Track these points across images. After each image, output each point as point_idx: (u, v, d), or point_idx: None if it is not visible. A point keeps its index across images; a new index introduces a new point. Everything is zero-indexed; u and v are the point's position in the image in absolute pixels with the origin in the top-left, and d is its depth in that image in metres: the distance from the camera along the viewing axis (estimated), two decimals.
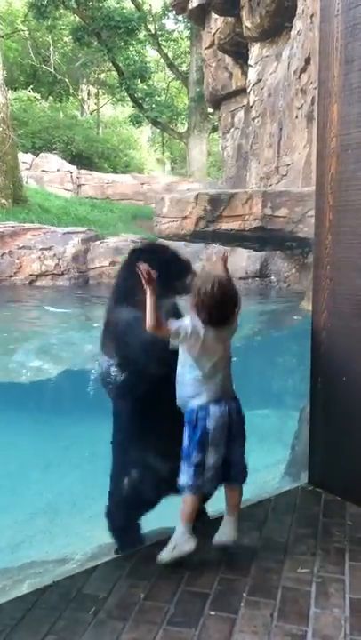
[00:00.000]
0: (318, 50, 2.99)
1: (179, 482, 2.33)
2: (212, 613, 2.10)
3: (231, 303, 2.27)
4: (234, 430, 2.33)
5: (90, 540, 2.71)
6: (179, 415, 2.38)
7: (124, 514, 2.63)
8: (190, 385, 2.31)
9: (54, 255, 11.27)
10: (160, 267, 2.32)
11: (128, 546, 2.58)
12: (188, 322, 2.26)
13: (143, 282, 2.23)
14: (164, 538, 2.52)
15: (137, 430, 2.53)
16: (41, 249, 11.32)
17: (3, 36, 23.04)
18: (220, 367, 2.32)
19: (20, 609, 2.15)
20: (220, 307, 2.24)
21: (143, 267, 2.22)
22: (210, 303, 2.22)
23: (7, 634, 2.02)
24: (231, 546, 2.44)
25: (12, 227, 11.77)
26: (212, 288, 2.21)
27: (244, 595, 2.20)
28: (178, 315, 2.55)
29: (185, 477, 2.31)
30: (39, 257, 11.24)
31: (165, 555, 2.35)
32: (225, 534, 2.42)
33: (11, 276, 11.03)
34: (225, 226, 6.85)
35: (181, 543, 2.32)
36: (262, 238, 7.21)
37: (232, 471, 2.37)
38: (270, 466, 3.99)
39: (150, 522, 2.75)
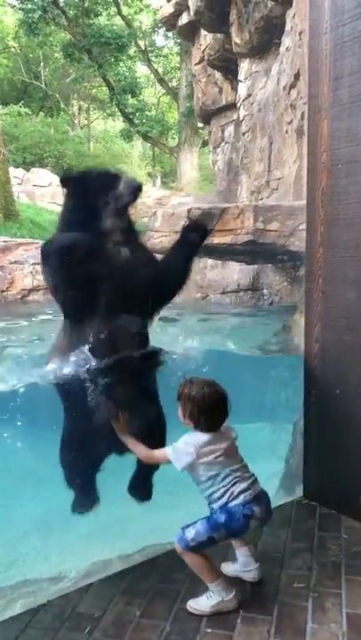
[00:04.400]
0: (308, 66, 3.03)
1: (182, 535, 2.21)
2: (209, 631, 2.09)
3: (225, 401, 2.25)
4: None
5: (84, 557, 2.67)
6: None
7: (74, 466, 2.58)
8: (217, 493, 2.21)
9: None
10: (101, 189, 2.35)
11: (82, 504, 2.56)
12: (182, 444, 2.21)
13: (115, 427, 2.36)
14: (159, 554, 2.51)
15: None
16: (33, 264, 11.28)
17: None
18: (234, 464, 2.26)
19: (14, 629, 2.13)
20: (217, 409, 2.23)
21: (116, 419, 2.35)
22: (206, 408, 2.20)
23: None
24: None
25: (4, 242, 11.74)
26: (204, 393, 2.20)
27: (241, 611, 2.19)
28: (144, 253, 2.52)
29: (189, 535, 2.19)
30: (31, 272, 11.21)
31: (205, 608, 2.19)
32: (251, 573, 2.37)
33: (2, 291, 10.99)
34: (217, 240, 6.87)
35: (225, 603, 2.19)
36: (254, 252, 7.24)
37: None
38: (264, 480, 3.96)
39: (145, 536, 2.73)
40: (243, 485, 2.22)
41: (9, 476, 4.15)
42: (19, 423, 4.61)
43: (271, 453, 4.23)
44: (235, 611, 2.19)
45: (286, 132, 9.23)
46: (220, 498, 2.21)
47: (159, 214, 7.66)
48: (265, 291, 9.94)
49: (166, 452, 2.24)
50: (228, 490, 2.20)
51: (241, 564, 2.38)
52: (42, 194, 21.21)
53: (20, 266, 11.18)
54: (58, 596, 2.38)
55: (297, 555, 2.60)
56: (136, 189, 2.46)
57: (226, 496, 2.20)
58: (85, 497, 2.60)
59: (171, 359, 2.59)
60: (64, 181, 2.52)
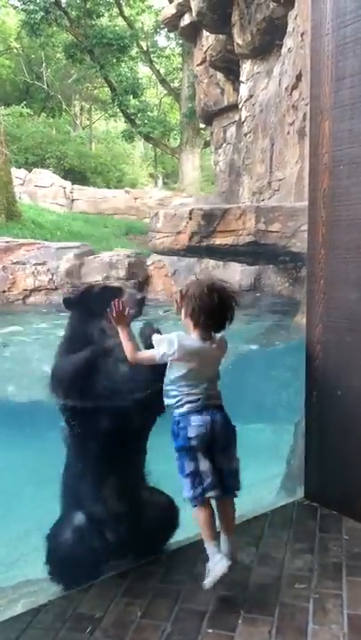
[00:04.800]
0: (310, 68, 3.03)
1: (183, 495, 2.29)
2: (210, 631, 2.08)
3: (227, 308, 2.23)
4: (219, 441, 2.27)
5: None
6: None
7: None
8: (173, 395, 2.29)
9: (48, 270, 11.26)
10: (102, 303, 2.40)
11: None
12: (173, 335, 2.24)
13: (113, 321, 2.30)
14: (159, 555, 2.51)
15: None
16: (35, 264, 11.31)
17: None
18: (204, 380, 2.29)
19: (15, 629, 2.13)
20: (217, 311, 2.21)
21: (115, 306, 2.29)
22: (207, 308, 2.19)
23: None
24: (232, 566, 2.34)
25: (6, 242, 11.76)
26: (206, 294, 2.19)
27: (242, 612, 2.19)
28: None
29: (185, 491, 2.27)
30: (33, 272, 11.24)
31: (207, 582, 2.23)
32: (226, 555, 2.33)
33: (4, 292, 11.01)
34: (219, 241, 6.88)
35: (213, 567, 2.21)
36: (256, 253, 7.24)
37: (223, 483, 2.30)
38: (265, 480, 3.97)
39: None
40: (193, 397, 2.25)
41: (10, 475, 4.16)
42: (19, 424, 4.62)
43: (272, 454, 4.24)
44: (235, 611, 2.18)
45: (288, 132, 9.23)
46: (171, 399, 2.28)
47: (161, 215, 7.66)
48: (266, 291, 9.95)
49: (152, 349, 2.27)
50: (181, 397, 2.26)
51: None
52: (44, 194, 21.24)
53: (21, 266, 11.21)
54: (59, 596, 2.39)
55: (298, 555, 2.60)
56: (140, 301, 2.54)
57: (175, 400, 2.27)
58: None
59: None
60: (67, 304, 2.60)
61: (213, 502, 2.30)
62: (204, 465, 2.25)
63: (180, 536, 2.69)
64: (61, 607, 2.27)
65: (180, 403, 2.27)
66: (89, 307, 2.51)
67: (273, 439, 4.57)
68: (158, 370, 2.32)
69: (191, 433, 2.23)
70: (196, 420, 2.24)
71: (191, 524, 2.37)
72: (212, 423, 2.26)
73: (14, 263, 11.26)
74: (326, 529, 2.84)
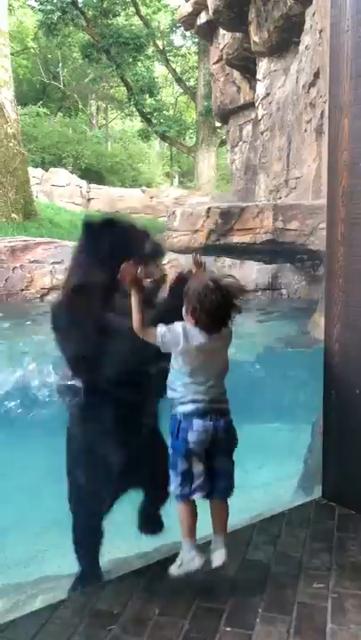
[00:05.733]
0: (328, 65, 3.01)
1: (169, 489, 2.29)
2: (228, 629, 2.08)
3: (228, 306, 2.17)
4: (218, 447, 2.25)
5: (102, 554, 2.68)
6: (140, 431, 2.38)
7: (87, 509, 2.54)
8: (178, 390, 2.25)
9: (65, 269, 11.29)
10: (120, 242, 2.27)
11: (88, 580, 2.51)
12: (179, 328, 2.19)
13: (125, 281, 2.17)
14: (176, 552, 2.51)
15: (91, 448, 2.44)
16: (52, 263, 11.36)
17: (13, 54, 23.30)
18: (210, 376, 2.26)
19: (35, 624, 2.15)
20: (218, 310, 2.15)
21: (127, 267, 2.17)
22: (207, 307, 2.13)
23: None
24: (220, 567, 2.29)
25: (24, 241, 11.82)
26: (209, 291, 2.13)
27: (260, 610, 2.18)
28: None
29: (173, 486, 2.27)
30: (50, 271, 11.29)
31: (173, 569, 2.29)
32: (214, 557, 2.30)
33: (22, 290, 11.07)
34: (236, 239, 6.86)
35: (187, 561, 2.25)
36: (274, 251, 7.22)
37: (216, 485, 2.29)
38: (282, 480, 3.96)
39: (163, 534, 2.73)
40: (199, 397, 2.21)
41: (28, 474, 4.19)
42: (37, 421, 4.66)
43: (289, 454, 4.22)
44: (253, 610, 2.18)
45: (305, 130, 9.18)
46: (175, 394, 2.24)
47: (178, 213, 7.65)
48: (283, 290, 9.91)
49: (157, 331, 2.18)
50: (186, 394, 2.22)
51: (210, 550, 2.35)
52: (60, 194, 21.37)
53: (39, 265, 11.26)
54: (77, 592, 2.40)
55: (316, 555, 2.59)
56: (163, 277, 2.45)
57: (178, 396, 2.23)
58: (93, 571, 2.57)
59: None
60: (87, 226, 2.42)
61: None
62: (198, 467, 2.24)
63: (197, 535, 2.69)
64: (80, 603, 2.28)
65: (185, 400, 2.23)
66: (109, 244, 2.31)
67: (290, 438, 4.55)
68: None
69: (191, 437, 2.20)
70: (198, 425, 2.21)
71: (206, 521, 2.37)
72: (214, 430, 2.22)
73: (32, 262, 11.31)
74: (344, 528, 2.82)
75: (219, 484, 2.29)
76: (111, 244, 2.31)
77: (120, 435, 2.36)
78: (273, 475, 4.17)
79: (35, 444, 4.45)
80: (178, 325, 2.20)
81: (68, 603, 2.30)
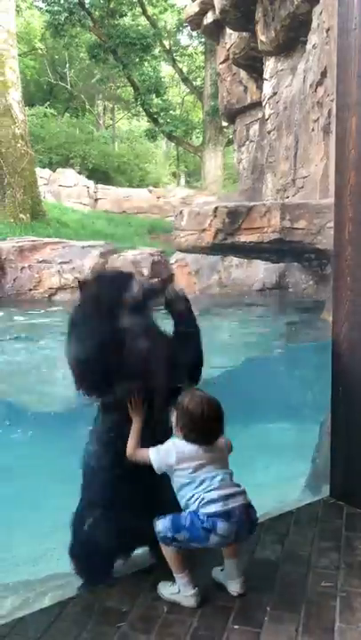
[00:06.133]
0: (336, 63, 3.01)
1: (155, 525, 2.20)
2: (236, 627, 2.09)
3: (219, 419, 2.21)
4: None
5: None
6: None
7: (92, 557, 2.47)
8: (189, 500, 2.18)
9: (73, 269, 11.35)
10: (115, 292, 2.35)
11: (96, 582, 2.45)
12: (172, 449, 2.19)
13: (130, 411, 2.26)
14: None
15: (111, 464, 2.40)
16: (60, 262, 11.41)
17: (21, 55, 23.39)
18: (217, 466, 2.21)
19: (44, 621, 2.16)
20: (209, 429, 2.19)
21: (134, 401, 2.26)
22: (198, 426, 2.17)
23: None
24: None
25: (32, 241, 11.89)
26: (200, 408, 2.17)
27: (268, 609, 2.18)
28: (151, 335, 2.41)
29: (162, 526, 2.18)
30: (58, 271, 11.34)
31: (166, 593, 2.25)
32: (231, 587, 2.27)
33: (30, 290, 11.14)
34: (243, 238, 6.88)
35: (182, 597, 2.21)
36: (281, 250, 7.23)
37: None
38: (290, 479, 3.96)
39: None
40: (215, 495, 2.14)
41: (37, 472, 4.22)
42: (45, 421, 4.68)
43: (296, 453, 4.23)
44: (262, 608, 2.18)
45: (313, 129, 9.17)
46: (192, 504, 2.16)
47: (185, 213, 7.68)
48: (291, 289, 9.90)
49: (149, 452, 2.21)
50: (200, 496, 2.15)
51: (225, 575, 2.31)
52: (68, 194, 21.43)
53: (47, 265, 11.32)
54: (86, 590, 2.41)
55: (324, 554, 2.59)
56: (153, 291, 2.51)
57: (197, 502, 2.15)
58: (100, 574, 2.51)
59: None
60: (81, 287, 2.51)
61: None
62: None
63: None
64: (88, 601, 2.29)
65: (203, 502, 2.14)
66: (102, 291, 2.42)
67: (298, 438, 4.55)
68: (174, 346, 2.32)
69: (213, 539, 2.15)
70: (222, 529, 2.13)
71: None
72: (236, 531, 2.17)
73: (40, 262, 11.38)
74: (352, 527, 2.82)
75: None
76: (104, 292, 2.41)
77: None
78: (281, 474, 4.17)
79: (41, 442, 4.48)
80: (168, 444, 2.22)
81: (77, 600, 2.31)
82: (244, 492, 2.22)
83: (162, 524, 2.18)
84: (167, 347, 2.40)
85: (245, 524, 2.19)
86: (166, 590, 2.26)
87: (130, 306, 2.36)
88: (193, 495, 2.17)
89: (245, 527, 2.20)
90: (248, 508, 2.20)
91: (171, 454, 2.18)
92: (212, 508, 2.13)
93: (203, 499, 2.14)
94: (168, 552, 2.22)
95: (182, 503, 2.21)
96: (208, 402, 2.20)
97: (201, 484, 2.17)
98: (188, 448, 2.19)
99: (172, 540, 2.17)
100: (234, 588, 2.26)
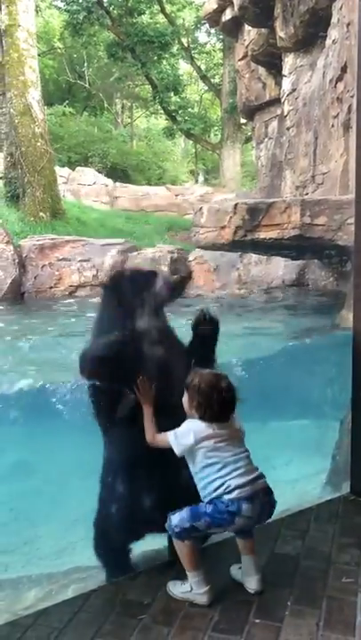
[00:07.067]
0: (356, 58, 2.99)
1: (169, 521, 2.23)
2: (257, 621, 2.10)
3: (232, 398, 2.25)
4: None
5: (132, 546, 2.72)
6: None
7: (111, 543, 2.57)
8: (212, 483, 2.20)
9: (93, 266, 11.42)
10: (137, 289, 2.41)
11: (118, 573, 2.52)
12: (190, 431, 2.22)
13: (139, 395, 2.31)
14: (207, 545, 2.54)
15: (127, 458, 2.48)
16: (80, 260, 11.50)
17: (40, 54, 23.50)
18: (237, 446, 2.26)
19: (67, 612, 2.20)
20: (224, 404, 2.23)
21: (142, 383, 2.30)
22: (213, 403, 2.20)
23: (56, 636, 2.06)
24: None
25: (52, 239, 11.99)
26: (213, 387, 2.21)
27: (289, 603, 2.20)
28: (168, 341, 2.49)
29: (177, 520, 2.21)
30: (78, 268, 11.43)
31: (176, 592, 2.28)
32: (249, 583, 2.29)
33: (51, 287, 11.25)
34: (263, 235, 6.84)
35: (195, 595, 2.23)
36: (301, 247, 7.19)
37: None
38: (310, 476, 3.96)
39: None
40: (241, 480, 2.18)
41: (58, 467, 4.26)
42: (66, 416, 4.72)
43: (316, 450, 4.22)
44: (283, 603, 2.20)
45: (332, 125, 9.09)
46: (216, 489, 2.18)
47: (205, 210, 7.67)
48: (310, 286, 9.85)
49: (168, 435, 2.25)
50: (225, 482, 2.17)
51: (243, 572, 2.33)
52: (86, 192, 21.49)
53: (67, 263, 11.42)
54: (108, 582, 2.45)
55: (345, 550, 2.59)
56: (173, 286, 2.58)
57: (222, 488, 2.17)
58: (122, 564, 2.58)
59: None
60: (104, 287, 2.64)
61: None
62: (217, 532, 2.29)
63: None
64: (110, 593, 2.33)
65: (228, 489, 2.17)
66: (122, 290, 2.49)
67: (318, 435, 4.54)
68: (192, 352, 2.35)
69: (239, 522, 2.19)
70: (247, 510, 2.17)
71: None
72: (259, 513, 2.22)
73: (60, 260, 11.48)
74: None
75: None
76: (124, 291, 2.49)
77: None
78: (301, 471, 4.16)
79: (62, 439, 4.53)
80: (184, 427, 2.25)
81: (100, 592, 2.35)
82: (263, 475, 2.27)
83: (178, 517, 2.21)
84: (179, 354, 2.46)
85: (266, 507, 2.24)
86: (177, 589, 2.28)
87: (155, 304, 2.41)
88: (215, 480, 2.19)
89: (266, 510, 2.25)
90: (268, 490, 2.26)
91: (189, 435, 2.21)
92: (239, 493, 2.17)
93: (229, 485, 2.17)
94: (182, 549, 2.24)
95: (201, 484, 2.22)
96: (219, 379, 2.25)
97: (224, 466, 2.19)
98: (205, 427, 2.22)
99: (190, 532, 2.19)
100: (251, 585, 2.28)
